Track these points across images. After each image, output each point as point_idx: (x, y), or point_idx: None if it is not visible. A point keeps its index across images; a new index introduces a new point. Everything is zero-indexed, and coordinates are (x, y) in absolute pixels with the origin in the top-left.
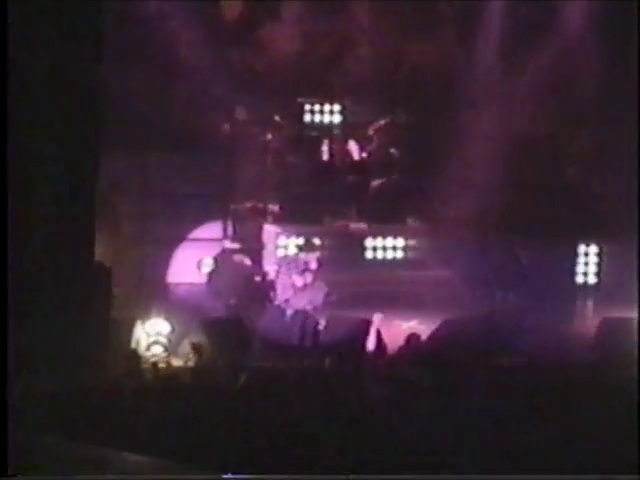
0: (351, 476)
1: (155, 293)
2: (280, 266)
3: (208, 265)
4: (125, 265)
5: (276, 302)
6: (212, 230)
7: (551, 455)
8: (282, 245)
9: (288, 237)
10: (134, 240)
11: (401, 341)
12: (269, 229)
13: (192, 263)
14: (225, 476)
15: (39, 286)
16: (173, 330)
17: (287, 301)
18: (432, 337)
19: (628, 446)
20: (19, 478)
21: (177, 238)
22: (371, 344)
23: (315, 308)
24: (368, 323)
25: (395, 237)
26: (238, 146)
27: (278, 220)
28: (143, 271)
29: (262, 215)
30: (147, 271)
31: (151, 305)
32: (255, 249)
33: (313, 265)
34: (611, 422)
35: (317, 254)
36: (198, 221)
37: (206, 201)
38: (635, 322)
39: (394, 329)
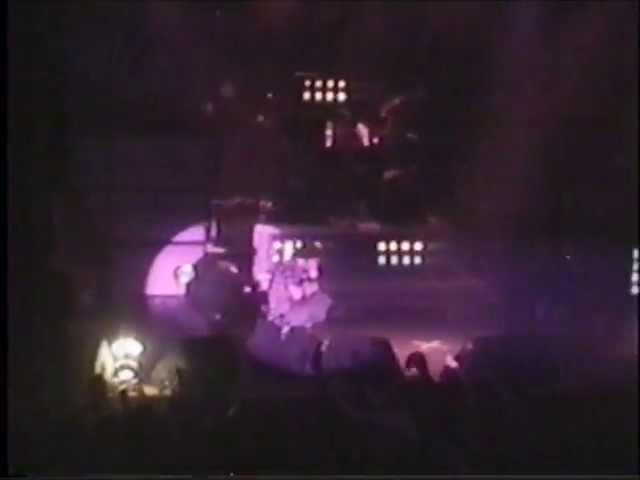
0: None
1: (124, 307)
2: (274, 275)
3: (187, 274)
4: (87, 273)
5: (269, 318)
6: (192, 231)
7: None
8: (276, 249)
9: (284, 240)
10: (98, 243)
11: (421, 364)
12: (261, 230)
13: (168, 271)
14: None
15: None
16: (145, 352)
17: (282, 317)
18: (458, 360)
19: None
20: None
21: (150, 241)
22: (385, 369)
23: (316, 325)
24: (381, 343)
25: (413, 240)
26: (223, 129)
27: (272, 219)
28: (109, 281)
29: (252, 213)
30: (114, 281)
31: (119, 321)
32: (244, 254)
33: (314, 273)
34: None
35: (318, 260)
36: (175, 220)
37: (185, 196)
38: None
39: (412, 350)
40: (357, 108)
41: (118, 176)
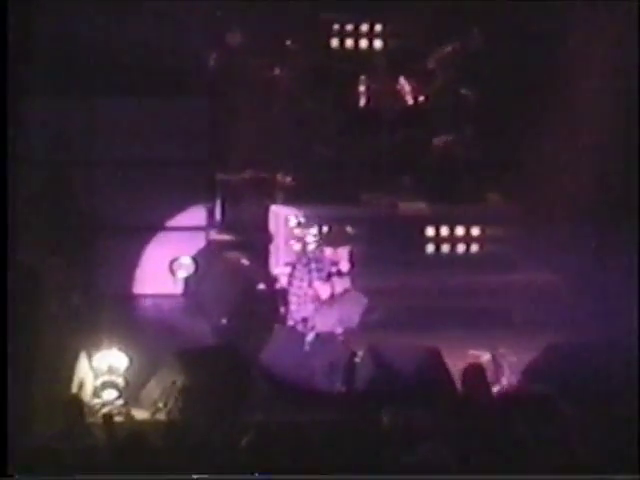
0: None
1: (106, 310)
2: (295, 268)
3: (185, 267)
4: (60, 267)
5: (289, 323)
6: (191, 214)
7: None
8: (298, 236)
9: (307, 224)
10: (73, 230)
11: (480, 379)
12: (278, 212)
13: (162, 264)
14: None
15: None
16: (133, 365)
17: (306, 321)
18: (527, 372)
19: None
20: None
21: (139, 227)
22: (434, 386)
23: (349, 331)
24: (430, 354)
25: (470, 223)
26: (230, 86)
27: (291, 198)
28: (88, 277)
29: (267, 191)
30: (94, 277)
31: (100, 328)
32: (256, 242)
33: (345, 266)
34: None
35: (350, 249)
36: (170, 201)
37: (182, 170)
38: None
39: (470, 361)
40: (397, 58)
41: (98, 146)
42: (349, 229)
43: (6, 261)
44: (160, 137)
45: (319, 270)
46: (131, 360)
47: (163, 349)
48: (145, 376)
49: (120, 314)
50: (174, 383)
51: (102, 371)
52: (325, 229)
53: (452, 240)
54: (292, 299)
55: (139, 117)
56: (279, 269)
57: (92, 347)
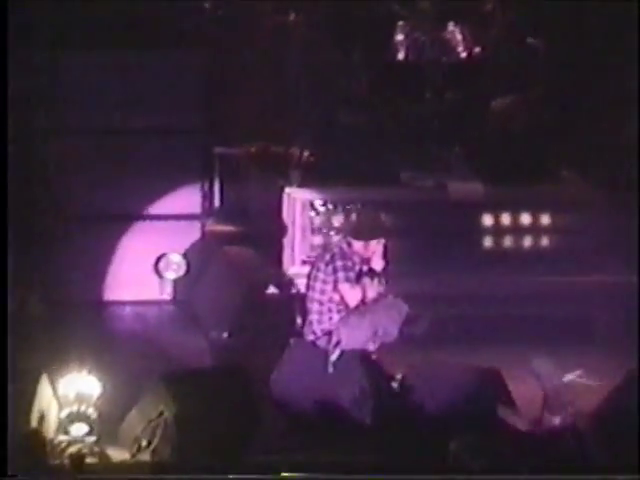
0: None
1: (75, 321)
2: (315, 267)
3: (175, 267)
4: (15, 266)
5: (308, 337)
6: (182, 198)
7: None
8: (318, 226)
9: (329, 211)
10: (34, 219)
11: (557, 407)
12: (293, 195)
13: (145, 263)
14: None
15: None
16: (107, 393)
17: (329, 335)
18: (614, 398)
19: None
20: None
21: (116, 215)
22: (493, 416)
23: (384, 348)
24: (489, 376)
25: (538, 210)
26: (232, 36)
27: (309, 178)
28: (52, 279)
29: (278, 169)
30: (60, 279)
31: (68, 345)
32: (265, 234)
33: (378, 264)
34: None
35: (385, 243)
36: (155, 182)
37: (170, 142)
38: None
39: (539, 387)
40: None
41: (66, 113)
42: (384, 217)
43: None
44: (143, 100)
45: (346, 269)
46: (105, 386)
47: (147, 371)
48: (124, 406)
49: (92, 326)
50: (161, 415)
51: (69, 400)
52: (353, 217)
53: (516, 231)
54: (312, 307)
55: (113, 75)
56: (295, 269)
57: (57, 369)
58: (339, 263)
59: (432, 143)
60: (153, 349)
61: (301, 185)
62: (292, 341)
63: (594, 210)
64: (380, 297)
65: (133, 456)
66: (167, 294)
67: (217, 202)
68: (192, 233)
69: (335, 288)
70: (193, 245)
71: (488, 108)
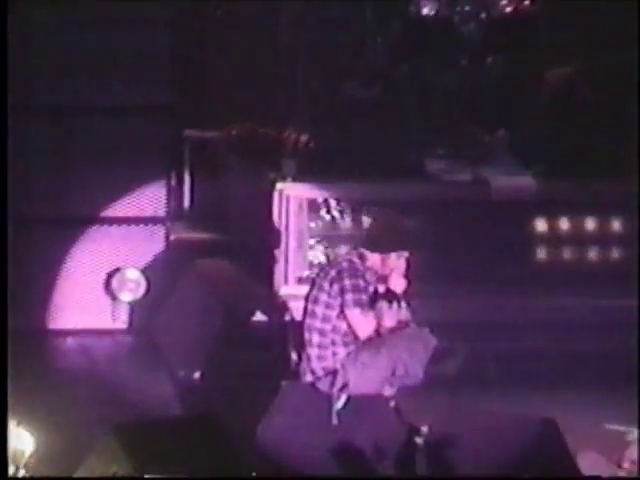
0: None
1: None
2: (316, 286)
3: (133, 285)
4: None
5: (306, 378)
6: (141, 197)
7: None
8: (320, 233)
9: (334, 212)
10: None
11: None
12: (287, 192)
13: (95, 281)
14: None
15: None
16: (43, 449)
17: (334, 375)
18: None
19: None
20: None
21: (58, 218)
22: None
23: (405, 393)
24: (543, 429)
25: (605, 213)
26: None
27: (308, 170)
28: None
29: (267, 157)
30: None
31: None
32: (251, 243)
33: (399, 283)
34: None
35: (407, 256)
36: (106, 174)
37: (131, 122)
38: None
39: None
40: None
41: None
42: (407, 222)
43: None
44: (97, 70)
45: (357, 290)
46: (40, 441)
47: (95, 422)
48: (65, 466)
49: (23, 363)
50: (114, 477)
51: (17, 454)
52: (367, 222)
53: (578, 240)
54: (311, 338)
55: (62, 40)
56: (288, 288)
57: None
58: (347, 282)
59: (468, 125)
60: (104, 392)
61: (297, 179)
62: (284, 384)
63: None
64: (400, 327)
65: None
66: (122, 321)
67: (186, 201)
68: (154, 242)
69: (342, 314)
70: (155, 258)
71: (541, 79)
